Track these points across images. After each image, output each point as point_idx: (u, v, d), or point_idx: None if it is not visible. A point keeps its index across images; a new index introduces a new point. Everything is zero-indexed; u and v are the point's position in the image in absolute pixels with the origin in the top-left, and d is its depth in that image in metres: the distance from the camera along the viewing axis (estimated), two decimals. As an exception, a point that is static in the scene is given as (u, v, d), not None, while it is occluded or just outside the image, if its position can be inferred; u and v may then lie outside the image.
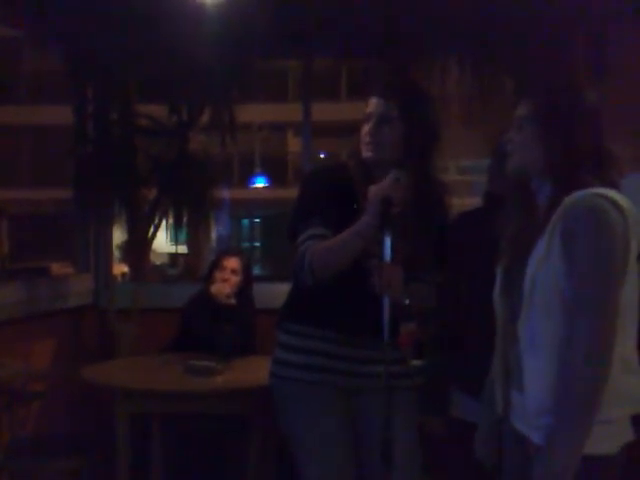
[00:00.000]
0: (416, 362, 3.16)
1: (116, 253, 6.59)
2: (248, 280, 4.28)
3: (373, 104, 2.66)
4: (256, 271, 16.93)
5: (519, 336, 2.14)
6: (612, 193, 2.05)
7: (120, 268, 8.87)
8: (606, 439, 2.03)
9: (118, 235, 5.33)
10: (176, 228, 4.67)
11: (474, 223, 2.92)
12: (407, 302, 2.49)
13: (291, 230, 2.70)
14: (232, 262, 4.23)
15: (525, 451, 2.16)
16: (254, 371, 3.81)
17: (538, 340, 2.08)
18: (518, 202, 2.25)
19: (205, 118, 4.69)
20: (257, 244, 25.58)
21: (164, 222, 4.66)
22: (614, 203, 2.03)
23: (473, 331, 2.76)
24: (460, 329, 2.89)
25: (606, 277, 2.00)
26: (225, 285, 4.15)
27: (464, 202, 3.38)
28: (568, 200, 2.05)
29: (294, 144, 23.06)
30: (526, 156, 2.18)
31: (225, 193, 5.73)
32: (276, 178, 22.89)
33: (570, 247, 2.02)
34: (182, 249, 20.70)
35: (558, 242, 2.04)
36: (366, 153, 2.65)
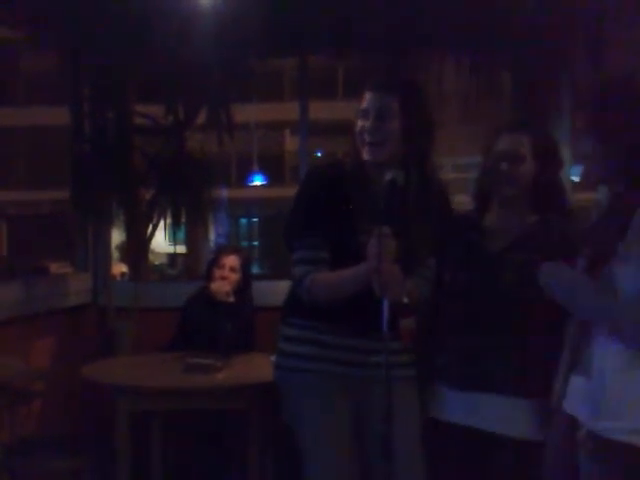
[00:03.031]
0: (414, 356, 3.16)
1: (115, 253, 6.61)
2: (247, 278, 4.30)
3: (370, 99, 2.61)
4: (255, 270, 16.95)
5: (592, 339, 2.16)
6: None
7: (119, 268, 8.89)
8: None
9: (117, 235, 5.35)
10: (174, 228, 4.68)
11: (464, 224, 2.92)
12: (406, 301, 2.50)
13: (287, 240, 2.74)
14: (231, 260, 4.25)
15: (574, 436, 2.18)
16: (254, 368, 3.83)
17: (608, 344, 2.10)
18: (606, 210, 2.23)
19: (202, 117, 4.70)
20: (255, 243, 25.60)
21: (162, 222, 4.66)
22: None
23: (458, 326, 2.77)
24: (443, 325, 2.89)
25: None
26: (224, 283, 4.17)
27: (460, 199, 3.39)
28: None
29: (291, 143, 23.06)
30: (596, 166, 2.18)
31: (223, 192, 5.74)
32: (274, 177, 22.90)
33: None
34: (181, 249, 20.73)
35: (637, 246, 2.03)
36: (367, 155, 2.61)
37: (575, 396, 2.22)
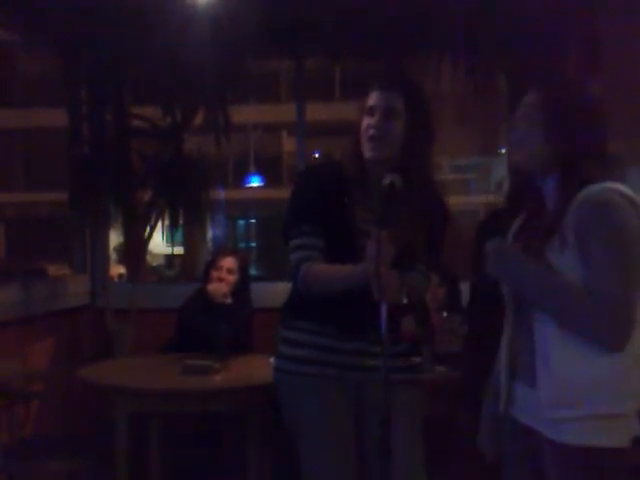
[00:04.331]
0: (415, 358, 3.18)
1: (113, 255, 6.62)
2: (244, 279, 4.31)
3: (377, 97, 2.64)
4: (252, 271, 16.95)
5: (532, 330, 2.16)
6: (622, 187, 2.07)
7: (117, 269, 8.92)
8: (617, 432, 2.06)
9: (114, 237, 5.36)
10: (172, 229, 4.68)
11: (501, 224, 2.93)
12: (405, 302, 2.51)
13: (285, 233, 2.75)
14: (228, 261, 4.25)
15: (529, 444, 2.19)
16: (252, 370, 3.84)
17: (551, 334, 2.10)
18: (525, 198, 2.26)
19: (199, 119, 4.71)
20: (253, 244, 25.59)
21: (160, 223, 4.67)
22: (626, 196, 2.05)
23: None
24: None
25: (624, 272, 2.02)
26: (222, 284, 4.17)
27: (458, 200, 3.40)
28: (580, 196, 2.06)
29: (288, 144, 23.05)
30: (534, 148, 2.18)
31: (220, 194, 5.75)
32: (271, 178, 22.88)
33: (586, 244, 2.03)
34: (179, 250, 20.72)
35: (572, 239, 2.05)
36: (369, 152, 2.64)
37: (523, 404, 2.22)
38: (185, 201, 4.64)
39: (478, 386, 2.79)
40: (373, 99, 2.65)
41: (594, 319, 2.03)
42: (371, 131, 2.63)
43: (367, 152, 2.65)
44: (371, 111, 2.65)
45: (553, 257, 2.09)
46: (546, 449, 2.13)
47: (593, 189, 2.05)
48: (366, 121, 2.65)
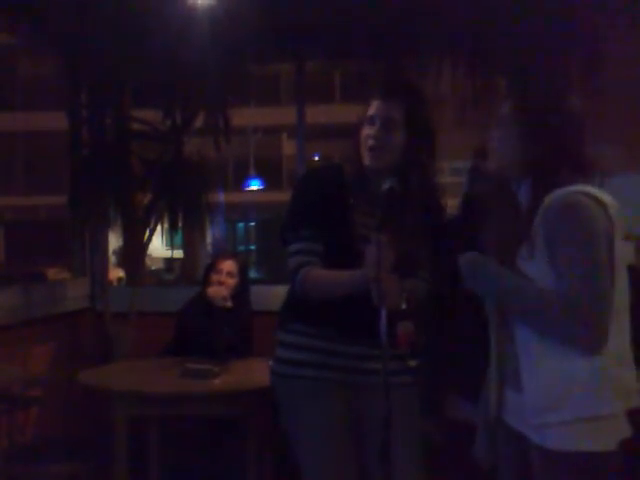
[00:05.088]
0: (413, 362, 3.18)
1: (112, 258, 6.61)
2: (244, 282, 4.30)
3: (378, 107, 2.64)
4: (252, 274, 16.93)
5: (514, 337, 2.16)
6: (592, 189, 2.06)
7: (116, 273, 8.88)
8: (605, 435, 2.05)
9: (114, 240, 5.35)
10: (171, 232, 4.67)
11: (455, 230, 2.93)
12: (404, 307, 2.51)
13: (283, 234, 2.75)
14: (228, 265, 4.24)
15: (521, 449, 2.18)
16: (252, 373, 3.83)
17: (532, 340, 2.10)
18: (500, 203, 2.27)
19: (199, 122, 4.71)
20: (252, 247, 25.58)
21: (159, 226, 4.66)
22: (594, 198, 2.04)
23: (466, 336, 2.78)
24: (453, 334, 2.89)
25: (592, 273, 2.01)
26: (222, 288, 4.17)
27: (458, 202, 3.39)
28: (548, 199, 2.06)
29: (289, 147, 23.07)
30: (507, 153, 2.19)
31: (220, 197, 5.74)
32: (271, 181, 22.88)
33: (555, 248, 2.03)
34: (178, 253, 20.71)
35: (541, 244, 2.05)
36: (369, 161, 2.64)
37: (513, 409, 2.22)
38: (185, 204, 4.63)
39: (437, 393, 2.78)
40: (374, 108, 2.65)
41: (567, 323, 2.02)
42: (370, 141, 2.63)
43: (367, 160, 2.65)
44: (372, 120, 2.64)
45: (523, 264, 2.09)
46: (534, 454, 2.13)
47: (560, 192, 2.06)
48: (366, 130, 2.65)
